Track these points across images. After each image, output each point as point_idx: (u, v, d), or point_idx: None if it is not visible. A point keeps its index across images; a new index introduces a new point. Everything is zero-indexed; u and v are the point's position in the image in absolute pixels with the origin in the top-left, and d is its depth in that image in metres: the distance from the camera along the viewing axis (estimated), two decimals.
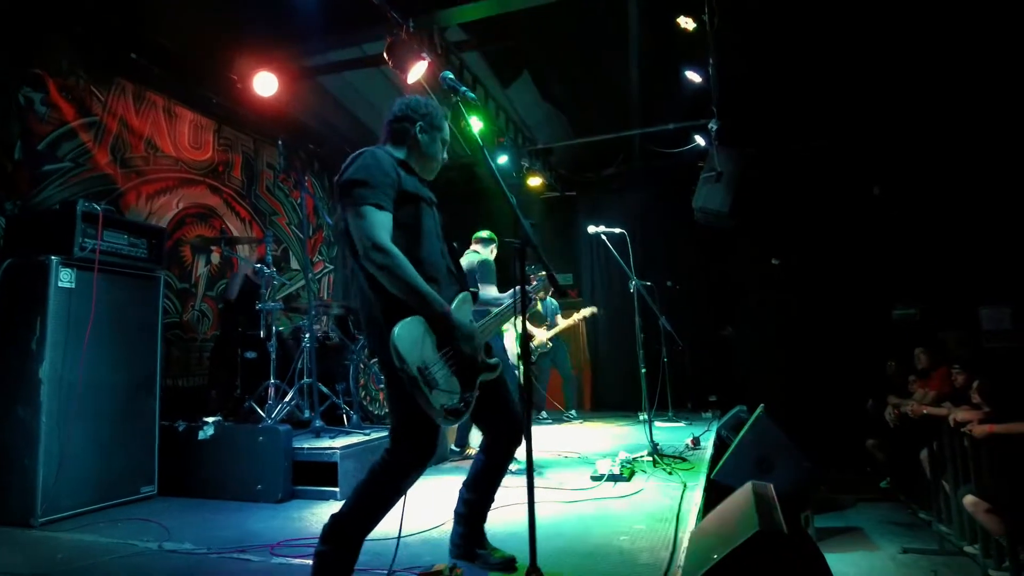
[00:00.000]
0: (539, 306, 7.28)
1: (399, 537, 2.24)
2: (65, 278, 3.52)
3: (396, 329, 1.94)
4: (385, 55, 4.92)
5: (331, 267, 7.77)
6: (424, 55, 5.14)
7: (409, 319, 1.99)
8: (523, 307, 1.87)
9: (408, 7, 4.98)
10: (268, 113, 6.12)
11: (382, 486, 2.07)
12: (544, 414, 7.37)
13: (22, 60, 4.41)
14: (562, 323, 7.41)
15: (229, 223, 6.15)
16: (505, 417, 2.35)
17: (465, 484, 2.47)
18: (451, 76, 2.30)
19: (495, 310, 2.40)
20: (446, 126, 2.44)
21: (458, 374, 2.06)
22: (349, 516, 2.05)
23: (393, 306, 2.02)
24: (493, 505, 2.51)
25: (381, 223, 2.05)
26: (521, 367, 4.21)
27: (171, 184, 5.57)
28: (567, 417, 7.26)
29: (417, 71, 5.06)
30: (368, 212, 2.05)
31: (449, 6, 5.10)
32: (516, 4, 5.05)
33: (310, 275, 4.73)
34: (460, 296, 2.24)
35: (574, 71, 6.96)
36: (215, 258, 5.92)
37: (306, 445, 3.94)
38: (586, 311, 7.37)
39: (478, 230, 4.86)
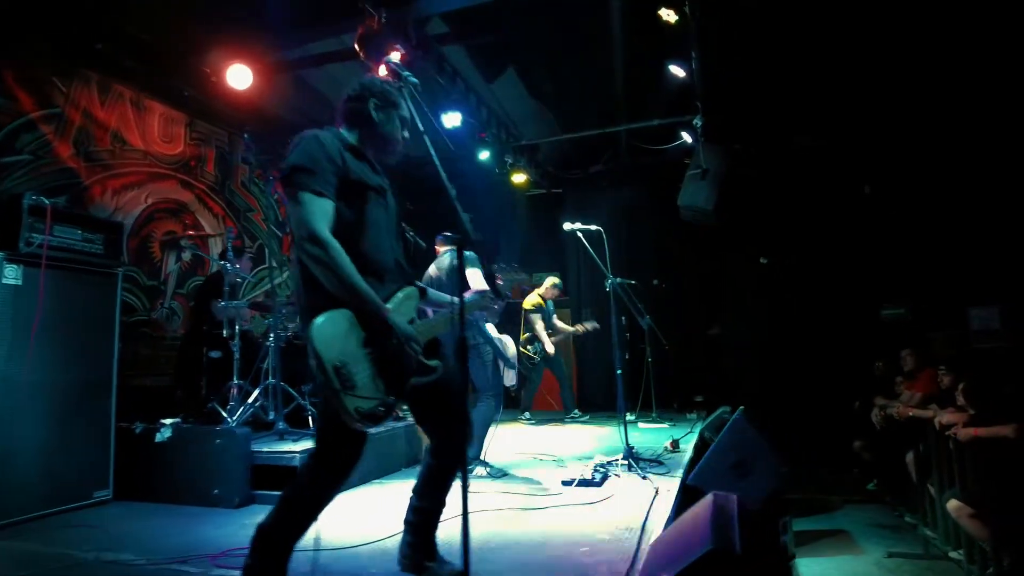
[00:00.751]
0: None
1: (316, 549, 2.10)
2: (10, 274, 3.37)
3: (317, 320, 1.81)
4: (356, 46, 4.78)
5: None
6: (398, 46, 5.00)
7: (334, 311, 1.86)
8: (461, 310, 1.73)
9: None
10: (244, 107, 5.96)
11: (304, 494, 1.96)
12: (527, 415, 7.25)
13: None
14: (564, 327, 7.29)
15: (202, 219, 6.01)
16: (453, 417, 2.19)
17: (415, 490, 2.33)
18: (394, 60, 2.16)
19: (440, 311, 2.23)
20: (404, 104, 2.31)
21: (383, 375, 1.91)
22: (273, 526, 1.94)
23: (324, 300, 1.89)
24: (447, 513, 2.38)
25: (320, 211, 1.92)
26: (502, 352, 4.08)
27: (140, 179, 5.42)
28: (571, 418, 7.13)
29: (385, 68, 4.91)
30: (306, 199, 1.92)
31: None
32: None
33: (275, 273, 4.57)
34: (404, 292, 2.10)
35: (558, 65, 6.83)
36: (186, 255, 5.77)
37: (266, 448, 3.81)
38: (588, 324, 7.33)
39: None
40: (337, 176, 2.00)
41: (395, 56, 5.00)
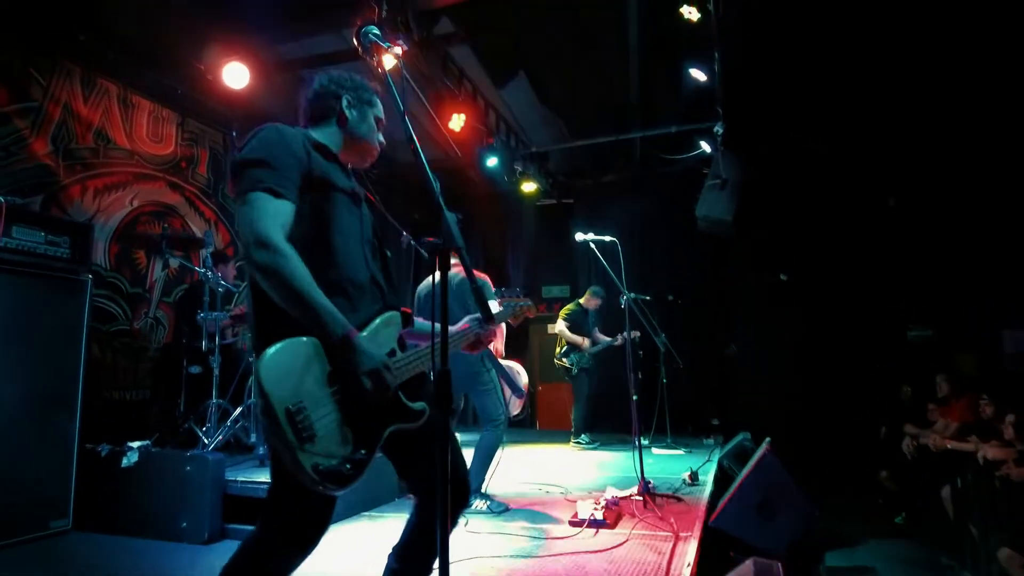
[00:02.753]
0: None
1: None
2: None
3: (269, 350, 1.43)
4: (354, 40, 4.45)
5: None
6: (400, 42, 4.68)
7: (293, 340, 1.47)
8: (444, 334, 1.35)
9: None
10: (240, 105, 5.67)
11: (255, 567, 1.56)
12: (585, 437, 6.75)
13: None
14: (603, 338, 6.92)
15: (191, 223, 5.67)
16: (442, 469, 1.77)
17: (394, 550, 1.92)
18: (375, 31, 1.80)
19: (423, 345, 1.78)
20: (378, 102, 1.96)
21: (352, 423, 1.51)
22: None
23: (280, 325, 1.50)
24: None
25: (274, 213, 1.54)
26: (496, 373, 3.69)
27: (124, 179, 5.09)
28: (576, 444, 6.71)
29: (389, 59, 4.59)
30: (258, 199, 1.55)
31: None
32: None
33: None
34: (382, 317, 1.71)
35: (570, 68, 6.50)
36: (173, 261, 5.43)
37: (242, 477, 3.44)
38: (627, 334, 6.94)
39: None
40: (300, 174, 1.64)
41: (396, 51, 4.70)
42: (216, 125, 5.97)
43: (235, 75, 5.17)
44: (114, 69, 4.99)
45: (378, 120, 1.97)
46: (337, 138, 1.89)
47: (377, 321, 1.69)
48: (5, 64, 4.26)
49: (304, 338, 1.49)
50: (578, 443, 6.64)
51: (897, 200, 7.85)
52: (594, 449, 6.46)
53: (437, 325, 1.37)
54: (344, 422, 1.49)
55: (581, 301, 7.02)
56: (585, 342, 6.78)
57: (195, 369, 4.27)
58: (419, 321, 1.89)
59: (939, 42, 5.61)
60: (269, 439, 1.44)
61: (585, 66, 6.46)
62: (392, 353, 1.69)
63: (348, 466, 1.43)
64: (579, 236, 4.40)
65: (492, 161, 7.07)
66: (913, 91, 6.37)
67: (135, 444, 3.57)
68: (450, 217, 1.40)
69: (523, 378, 3.98)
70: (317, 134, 1.86)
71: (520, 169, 7.72)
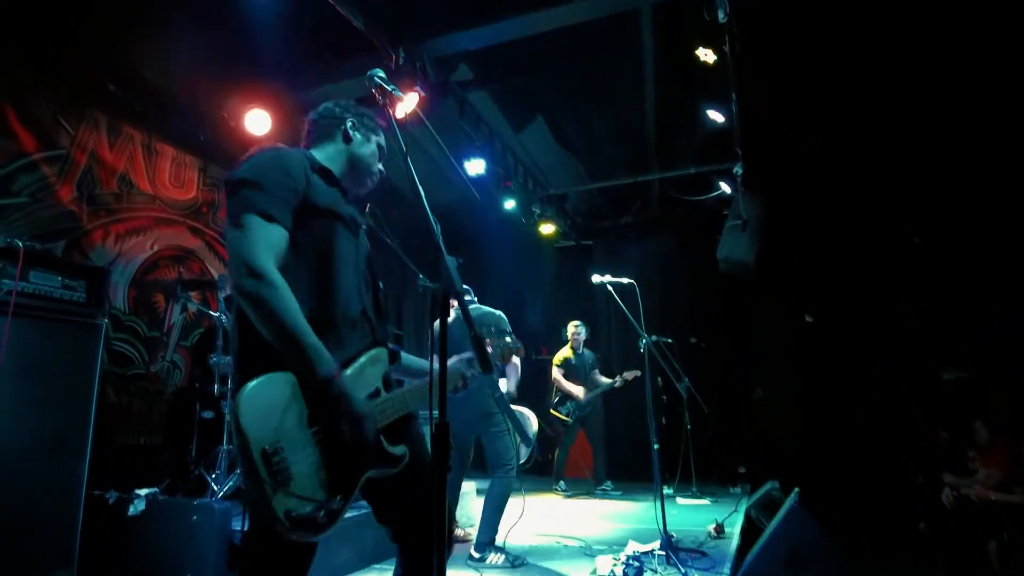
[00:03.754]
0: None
1: None
2: None
3: (249, 384, 1.37)
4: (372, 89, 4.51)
5: None
6: (417, 87, 4.74)
7: (275, 374, 1.40)
8: (443, 375, 1.27)
9: (399, 36, 4.61)
10: None
11: None
12: (562, 483, 6.63)
13: None
14: (603, 382, 6.74)
15: (211, 267, 5.71)
16: (424, 522, 1.60)
17: None
18: (380, 74, 1.79)
19: (410, 384, 1.70)
20: (381, 132, 1.94)
21: (330, 467, 1.43)
22: None
23: (263, 359, 1.43)
24: None
25: (265, 239, 1.49)
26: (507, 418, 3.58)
27: (146, 224, 5.17)
28: (601, 491, 6.51)
29: (407, 104, 4.65)
30: (250, 223, 1.49)
31: (444, 34, 4.71)
32: (515, 32, 4.65)
33: None
34: (368, 354, 1.64)
35: (587, 110, 6.54)
36: (192, 304, 5.45)
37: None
38: (628, 374, 6.72)
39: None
40: (297, 198, 1.59)
41: (414, 97, 4.76)
42: None
43: (257, 122, 5.30)
44: (139, 117, 5.12)
45: (380, 148, 1.95)
46: (340, 159, 1.86)
47: (363, 359, 1.62)
48: (37, 114, 4.39)
49: (287, 373, 1.42)
50: (602, 491, 6.45)
51: (923, 238, 7.69)
52: (617, 498, 6.25)
53: (435, 367, 1.30)
54: (322, 466, 1.41)
55: (570, 344, 6.85)
56: (580, 391, 6.61)
57: (207, 414, 4.22)
58: (406, 357, 1.83)
59: (958, 72, 5.53)
60: (244, 480, 1.37)
61: (602, 108, 6.50)
62: (376, 393, 1.62)
63: (322, 513, 1.36)
64: (596, 278, 4.32)
65: (510, 203, 7.09)
66: (938, 126, 6.26)
67: (143, 491, 3.50)
68: (450, 261, 1.34)
69: (533, 426, 3.86)
70: (320, 154, 1.84)
71: (538, 211, 7.73)
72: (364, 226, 1.83)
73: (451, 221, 8.30)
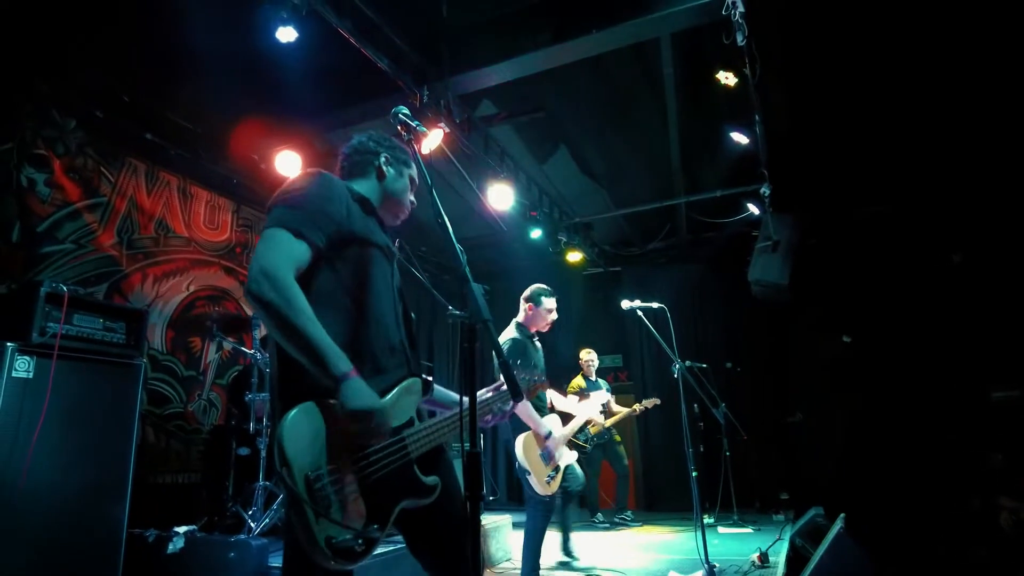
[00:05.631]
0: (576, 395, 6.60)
1: None
2: (21, 367, 3.13)
3: (290, 412, 1.37)
4: (398, 127, 4.62)
5: None
6: (441, 124, 4.83)
7: (313, 402, 1.41)
8: (472, 409, 1.27)
9: (423, 76, 4.72)
10: None
11: None
12: (600, 516, 6.52)
13: (26, 141, 4.29)
14: (620, 411, 6.64)
15: (245, 306, 5.83)
16: (458, 555, 1.61)
17: None
18: (404, 110, 1.83)
19: (442, 415, 1.70)
20: (412, 164, 1.98)
21: (367, 496, 1.42)
22: None
23: (299, 382, 1.45)
24: None
25: (287, 251, 1.50)
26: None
27: (181, 265, 5.32)
28: (620, 520, 6.38)
29: (432, 140, 4.75)
30: (276, 235, 1.52)
31: (467, 71, 4.80)
32: (536, 66, 4.72)
33: None
34: (404, 384, 1.64)
35: (610, 138, 6.57)
36: (227, 343, 5.56)
37: None
38: (648, 402, 6.61)
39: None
40: (333, 224, 1.61)
41: (438, 133, 4.85)
42: None
43: (287, 163, 5.43)
44: (175, 163, 5.31)
45: (412, 180, 1.99)
46: (377, 193, 1.90)
47: (398, 389, 1.62)
48: (79, 164, 4.59)
49: (326, 400, 1.43)
50: (621, 520, 6.34)
51: (963, 255, 7.47)
52: (636, 527, 6.12)
53: (464, 399, 1.29)
54: (360, 494, 1.41)
55: (582, 371, 6.75)
56: (584, 410, 6.49)
57: (243, 451, 4.26)
58: (438, 389, 1.83)
59: (984, 88, 5.44)
60: (286, 509, 1.37)
61: (625, 136, 6.53)
62: (410, 423, 1.62)
63: (360, 541, 1.35)
64: (625, 304, 4.28)
65: (536, 233, 7.11)
66: (970, 140, 6.14)
67: (181, 529, 3.53)
68: (476, 289, 1.35)
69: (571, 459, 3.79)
70: (358, 187, 1.87)
71: (564, 239, 7.72)
72: (397, 256, 1.86)
73: (479, 255, 8.40)
